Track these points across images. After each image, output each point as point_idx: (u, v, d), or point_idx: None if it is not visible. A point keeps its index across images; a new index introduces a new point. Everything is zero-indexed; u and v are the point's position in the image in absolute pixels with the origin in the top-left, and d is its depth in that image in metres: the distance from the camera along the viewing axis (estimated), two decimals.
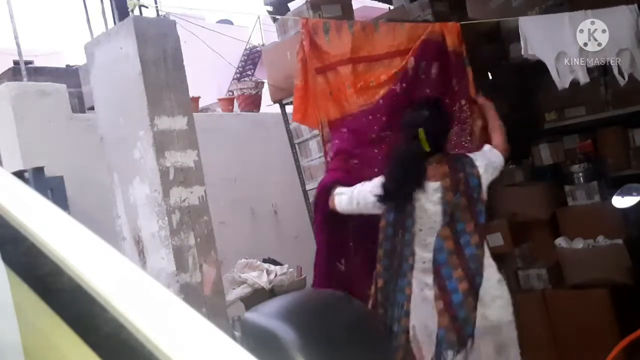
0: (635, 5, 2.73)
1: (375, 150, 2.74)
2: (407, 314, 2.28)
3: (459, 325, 2.20)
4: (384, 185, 2.33)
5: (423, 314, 2.29)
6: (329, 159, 2.81)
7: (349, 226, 2.63)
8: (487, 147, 2.49)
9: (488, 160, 2.40)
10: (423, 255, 2.30)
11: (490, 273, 2.31)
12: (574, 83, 2.85)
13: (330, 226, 2.65)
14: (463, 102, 2.82)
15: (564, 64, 2.81)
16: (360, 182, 2.50)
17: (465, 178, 2.31)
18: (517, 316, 2.36)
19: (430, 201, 2.31)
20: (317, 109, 2.80)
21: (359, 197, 2.42)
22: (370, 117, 2.76)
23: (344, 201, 2.46)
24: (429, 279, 2.27)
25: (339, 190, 2.50)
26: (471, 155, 2.42)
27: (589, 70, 2.87)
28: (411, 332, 2.29)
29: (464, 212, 2.29)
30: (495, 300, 2.28)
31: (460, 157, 2.40)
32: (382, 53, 2.83)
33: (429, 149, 2.31)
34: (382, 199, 2.33)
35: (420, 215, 2.31)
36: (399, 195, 2.33)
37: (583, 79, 2.81)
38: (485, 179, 2.35)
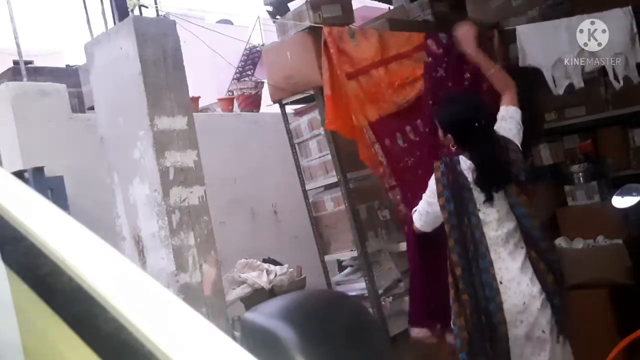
0: (630, 7, 2.73)
1: (428, 143, 2.82)
2: (499, 292, 2.29)
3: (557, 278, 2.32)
4: (479, 182, 2.35)
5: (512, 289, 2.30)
6: (384, 169, 2.82)
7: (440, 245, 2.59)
8: (502, 110, 2.53)
9: (515, 127, 2.49)
10: (498, 229, 2.33)
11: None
12: (571, 86, 2.88)
13: (424, 250, 2.66)
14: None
15: (560, 71, 2.84)
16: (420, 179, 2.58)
17: (516, 157, 2.41)
18: None
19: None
20: (354, 114, 2.80)
21: (423, 207, 2.47)
22: (414, 111, 2.85)
23: (417, 217, 2.51)
24: (504, 251, 2.31)
25: (414, 210, 2.55)
26: (502, 131, 2.45)
27: (588, 72, 2.89)
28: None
29: (513, 188, 2.36)
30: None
31: (500, 137, 2.43)
32: (411, 48, 2.92)
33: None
34: (454, 192, 2.36)
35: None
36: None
37: (578, 84, 2.85)
38: (519, 141, 2.47)
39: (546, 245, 2.39)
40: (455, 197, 2.36)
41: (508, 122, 2.49)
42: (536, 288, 2.28)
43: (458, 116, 2.44)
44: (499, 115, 2.51)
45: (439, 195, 2.38)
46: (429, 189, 2.45)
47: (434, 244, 2.54)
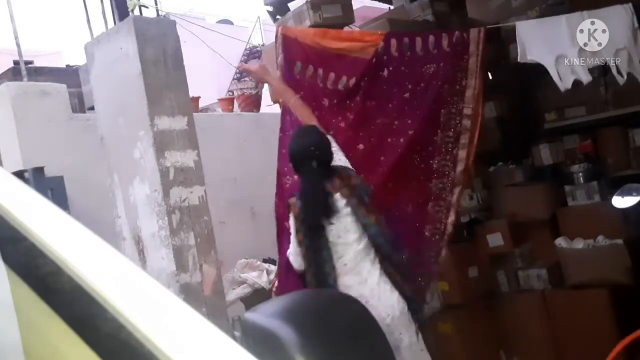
0: (630, 4, 2.73)
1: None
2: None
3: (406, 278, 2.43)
4: (305, 224, 2.45)
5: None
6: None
7: None
8: (331, 139, 2.58)
9: (341, 152, 2.55)
10: (347, 256, 2.40)
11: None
12: (575, 83, 2.85)
13: None
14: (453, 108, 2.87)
15: (564, 66, 2.81)
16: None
17: (355, 181, 2.46)
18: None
19: (339, 214, 2.42)
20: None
21: (293, 247, 2.55)
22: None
23: (292, 260, 2.57)
24: (351, 279, 2.38)
25: (288, 252, 2.61)
26: (339, 161, 2.52)
27: (589, 70, 2.87)
28: None
29: (360, 209, 2.42)
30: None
31: (339, 166, 2.50)
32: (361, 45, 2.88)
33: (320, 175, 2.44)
34: (307, 228, 2.45)
35: (336, 227, 2.41)
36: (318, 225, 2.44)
37: (585, 78, 2.81)
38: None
39: (397, 257, 2.47)
40: (312, 235, 2.43)
41: (338, 152, 2.56)
42: (394, 296, 2.36)
43: (292, 147, 2.57)
44: (333, 147, 2.56)
45: (297, 231, 2.48)
46: (291, 227, 2.53)
47: None
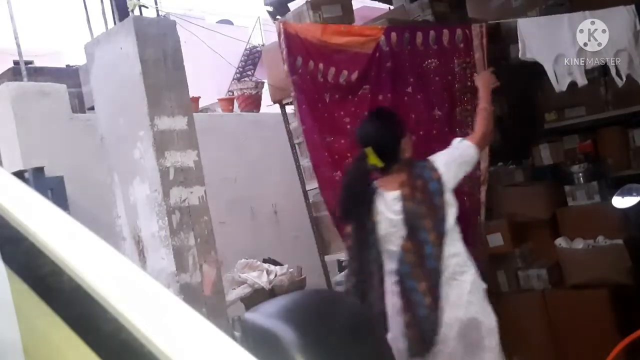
0: (633, 6, 2.73)
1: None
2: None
3: (423, 335, 2.21)
4: (341, 211, 2.38)
5: (394, 324, 2.30)
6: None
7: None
8: (455, 140, 2.44)
9: (451, 157, 2.35)
10: (391, 266, 2.29)
11: (468, 275, 2.28)
12: (573, 84, 2.85)
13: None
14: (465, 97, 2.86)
15: (562, 67, 2.81)
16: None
17: (423, 184, 2.27)
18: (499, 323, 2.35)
19: (391, 211, 2.29)
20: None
21: None
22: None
23: None
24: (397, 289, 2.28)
25: None
26: (433, 157, 2.37)
27: (589, 71, 2.87)
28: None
29: (425, 220, 2.25)
30: (469, 304, 2.27)
31: (420, 162, 2.36)
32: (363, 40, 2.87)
33: (382, 164, 2.30)
34: (340, 220, 2.38)
35: (385, 227, 2.30)
36: (354, 218, 2.35)
37: (581, 81, 2.82)
38: (448, 178, 2.29)
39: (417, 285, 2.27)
40: (357, 227, 2.35)
41: (448, 150, 2.41)
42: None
43: (357, 130, 2.46)
44: (454, 142, 2.45)
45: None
46: None
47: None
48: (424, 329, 2.21)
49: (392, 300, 2.29)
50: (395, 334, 2.27)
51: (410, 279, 2.23)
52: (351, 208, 2.35)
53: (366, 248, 2.33)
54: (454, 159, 2.34)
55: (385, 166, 2.31)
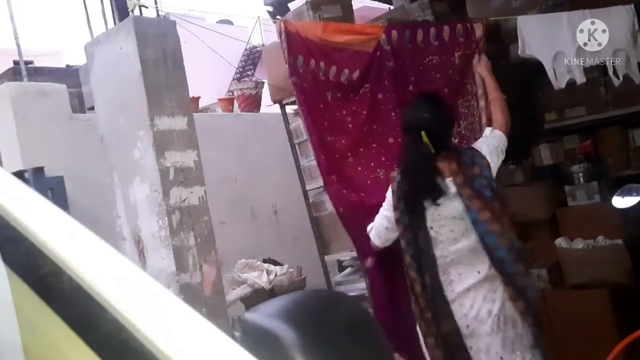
0: (632, 5, 2.73)
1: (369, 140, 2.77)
2: (451, 314, 2.20)
3: (530, 305, 2.16)
4: (405, 195, 2.27)
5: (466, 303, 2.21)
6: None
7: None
8: (487, 130, 2.45)
9: (492, 146, 2.33)
10: (449, 248, 2.22)
11: None
12: (572, 83, 2.85)
13: (385, 266, 2.58)
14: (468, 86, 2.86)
15: (561, 65, 2.81)
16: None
17: (480, 171, 2.24)
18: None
19: (446, 198, 2.22)
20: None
21: (380, 221, 2.39)
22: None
23: (374, 235, 2.44)
24: (455, 272, 2.20)
25: (369, 227, 2.46)
26: (475, 145, 2.35)
27: (589, 70, 2.87)
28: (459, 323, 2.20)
29: (474, 202, 2.20)
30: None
31: (467, 150, 2.34)
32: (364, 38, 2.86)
33: (433, 150, 2.25)
34: (407, 206, 2.26)
35: (439, 213, 2.23)
36: (419, 203, 2.25)
37: (580, 79, 2.81)
38: (494, 166, 2.28)
39: (516, 268, 2.18)
40: (411, 212, 2.26)
41: (485, 139, 2.40)
42: (484, 310, 2.15)
43: (404, 116, 2.41)
44: (486, 131, 2.45)
45: (394, 208, 2.30)
46: (386, 201, 2.38)
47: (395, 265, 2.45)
48: (528, 297, 2.16)
49: (455, 286, 2.20)
50: (461, 323, 2.17)
51: (498, 249, 2.17)
52: (422, 193, 2.24)
53: (421, 234, 2.25)
54: (495, 147, 2.33)
55: (435, 152, 2.26)
